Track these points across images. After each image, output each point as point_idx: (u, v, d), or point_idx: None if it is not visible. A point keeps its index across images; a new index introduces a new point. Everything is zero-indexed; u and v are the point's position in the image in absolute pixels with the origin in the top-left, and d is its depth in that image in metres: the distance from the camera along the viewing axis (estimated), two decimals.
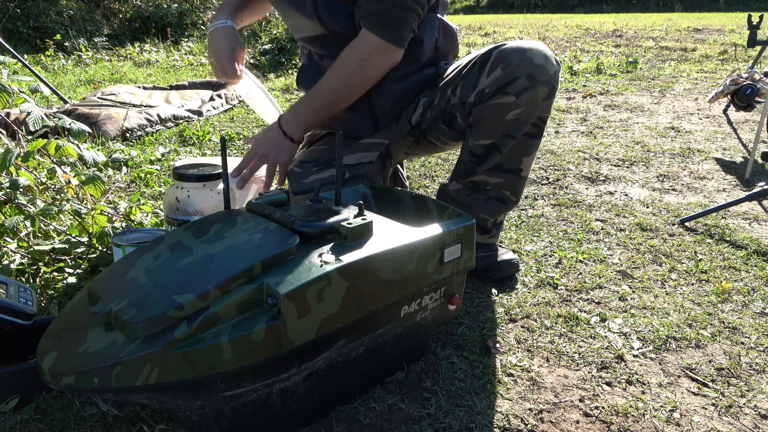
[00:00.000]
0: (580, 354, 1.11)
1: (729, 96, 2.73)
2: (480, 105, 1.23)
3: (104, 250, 1.39)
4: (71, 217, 1.51)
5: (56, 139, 1.45)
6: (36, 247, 1.36)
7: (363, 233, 0.86)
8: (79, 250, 1.40)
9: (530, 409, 0.96)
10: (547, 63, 1.19)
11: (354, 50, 1.21)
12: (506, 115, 1.21)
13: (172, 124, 2.98)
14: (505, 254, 1.41)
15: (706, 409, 0.97)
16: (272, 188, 1.49)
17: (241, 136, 2.79)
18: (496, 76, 1.20)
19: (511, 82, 1.18)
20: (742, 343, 1.16)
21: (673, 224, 1.75)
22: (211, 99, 3.43)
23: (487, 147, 1.26)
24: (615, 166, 2.34)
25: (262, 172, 1.42)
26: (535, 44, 1.21)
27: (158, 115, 2.92)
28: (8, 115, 2.42)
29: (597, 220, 1.79)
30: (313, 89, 1.26)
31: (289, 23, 1.39)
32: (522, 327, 1.20)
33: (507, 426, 0.92)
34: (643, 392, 1.01)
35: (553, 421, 0.94)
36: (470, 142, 1.28)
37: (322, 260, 0.79)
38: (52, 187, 1.69)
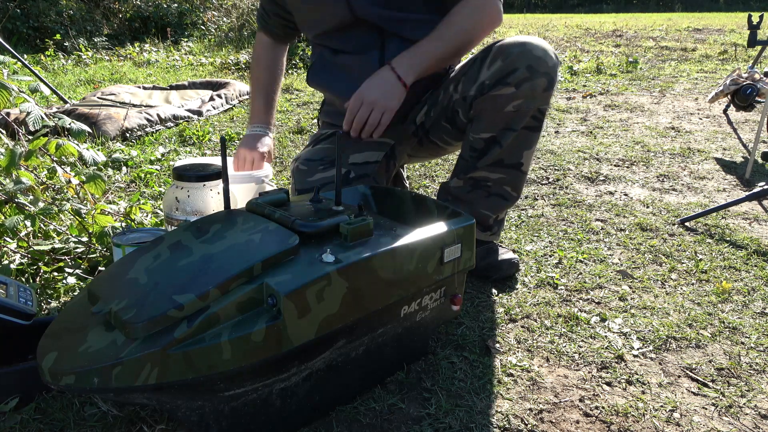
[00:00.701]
0: (580, 354, 1.11)
1: (729, 96, 2.73)
2: (480, 97, 1.24)
3: (104, 250, 1.39)
4: (71, 217, 1.51)
5: (56, 138, 1.45)
6: (36, 247, 1.36)
7: (363, 233, 0.86)
8: (79, 250, 1.40)
9: (530, 409, 0.96)
10: (545, 55, 1.20)
11: (473, 7, 1.24)
12: (506, 106, 1.21)
13: (172, 124, 2.97)
14: (505, 254, 1.41)
15: (706, 409, 0.97)
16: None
17: (241, 136, 2.78)
18: (496, 68, 1.20)
19: (511, 73, 1.19)
20: (742, 343, 1.16)
21: (673, 224, 1.75)
22: (211, 99, 3.42)
23: (488, 140, 1.26)
24: (615, 166, 2.34)
25: (264, 171, 1.41)
26: (535, 39, 1.22)
27: (158, 115, 2.92)
28: (8, 114, 2.42)
29: (597, 220, 1.79)
30: (429, 39, 1.23)
31: (307, 20, 1.37)
32: (522, 327, 1.20)
33: (507, 426, 0.92)
34: (643, 392, 1.01)
35: (553, 421, 0.94)
36: (471, 136, 1.28)
37: (322, 260, 0.79)
38: (52, 186, 1.69)
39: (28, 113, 1.37)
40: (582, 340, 1.16)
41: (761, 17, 2.25)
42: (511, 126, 1.23)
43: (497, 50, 1.22)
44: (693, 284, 1.40)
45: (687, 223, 1.75)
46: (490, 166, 1.28)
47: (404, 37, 1.28)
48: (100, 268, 1.36)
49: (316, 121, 1.59)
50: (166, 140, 2.71)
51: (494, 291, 1.34)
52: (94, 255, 1.39)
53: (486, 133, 1.26)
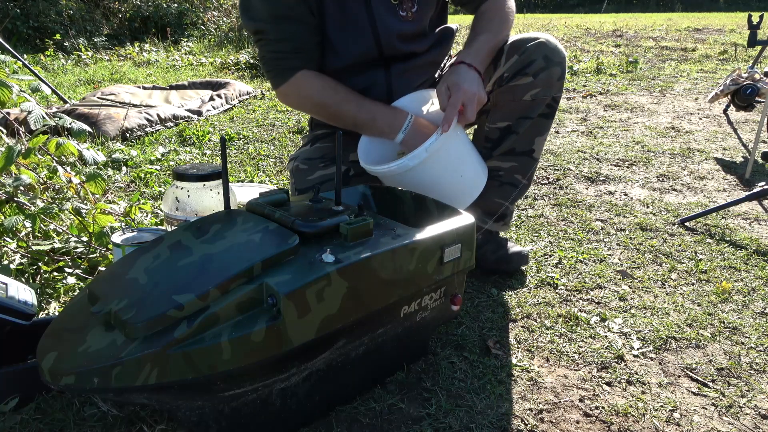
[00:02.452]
0: (580, 354, 1.11)
1: (729, 96, 2.73)
2: (498, 89, 1.28)
3: (104, 250, 1.39)
4: (71, 216, 1.51)
5: (56, 138, 1.45)
6: (36, 247, 1.36)
7: (363, 233, 0.86)
8: (79, 250, 1.40)
9: (530, 409, 0.96)
10: (557, 47, 1.26)
11: (507, 7, 1.30)
12: (524, 95, 1.26)
13: (171, 124, 2.97)
14: (514, 247, 1.42)
15: (706, 409, 0.97)
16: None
17: (241, 136, 2.78)
18: (513, 62, 1.25)
19: (529, 64, 1.24)
20: (742, 343, 1.16)
21: (673, 224, 1.75)
22: (211, 99, 3.42)
23: (503, 130, 1.30)
24: (615, 166, 2.34)
25: None
26: (543, 34, 1.28)
27: (158, 115, 2.92)
28: (9, 114, 2.42)
29: (597, 220, 1.79)
30: (482, 36, 1.25)
31: (336, 51, 1.34)
32: (522, 327, 1.20)
33: (507, 426, 0.92)
34: (643, 392, 1.01)
35: (553, 421, 0.94)
36: (486, 127, 1.32)
37: (322, 260, 0.79)
38: (53, 186, 1.69)
39: (29, 113, 1.37)
40: (582, 340, 1.16)
41: (761, 17, 2.25)
42: (528, 114, 1.28)
43: (511, 47, 1.27)
44: (693, 284, 1.40)
45: (687, 223, 1.75)
46: (502, 155, 1.31)
47: (404, 57, 1.31)
48: (100, 268, 1.36)
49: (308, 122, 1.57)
50: (166, 140, 2.70)
51: (494, 291, 1.34)
52: (94, 255, 1.39)
53: (503, 122, 1.30)
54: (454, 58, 1.32)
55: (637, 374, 1.06)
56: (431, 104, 1.32)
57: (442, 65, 1.42)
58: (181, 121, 3.04)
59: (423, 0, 1.28)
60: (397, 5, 1.26)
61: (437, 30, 1.37)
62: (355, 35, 1.26)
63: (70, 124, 1.44)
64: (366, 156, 1.26)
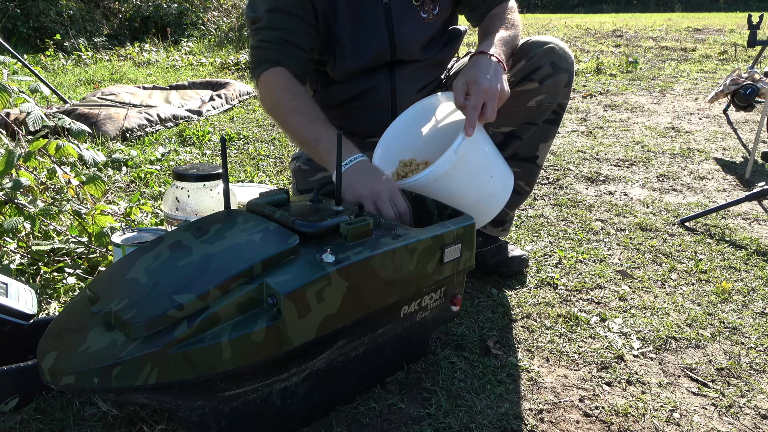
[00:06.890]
0: (580, 354, 1.11)
1: (729, 96, 2.73)
2: None
3: (104, 250, 1.39)
4: (71, 217, 1.51)
5: (56, 139, 1.45)
6: (36, 247, 1.36)
7: (363, 233, 0.86)
8: (79, 251, 1.40)
9: (530, 409, 0.96)
10: (565, 53, 1.24)
11: (515, 14, 1.29)
12: (529, 101, 1.24)
13: (172, 124, 2.97)
14: (514, 251, 1.42)
15: (706, 409, 0.97)
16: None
17: (241, 136, 2.79)
18: (520, 67, 1.24)
19: (535, 70, 1.22)
20: (742, 343, 1.16)
21: (673, 224, 1.75)
22: (211, 99, 3.42)
23: (507, 134, 1.29)
24: (615, 166, 2.34)
25: None
26: (553, 38, 1.26)
27: (158, 115, 2.92)
28: (8, 115, 2.42)
29: (597, 220, 1.79)
30: (499, 32, 1.20)
31: (346, 57, 1.31)
32: (522, 327, 1.20)
33: (507, 426, 0.92)
34: (643, 392, 1.01)
35: (553, 421, 0.94)
36: (490, 131, 1.30)
37: (323, 260, 0.79)
38: (52, 187, 1.69)
39: (28, 113, 1.38)
40: (582, 340, 1.16)
41: (761, 17, 2.25)
42: (533, 120, 1.27)
43: (518, 51, 1.25)
44: (693, 284, 1.40)
45: (687, 223, 1.75)
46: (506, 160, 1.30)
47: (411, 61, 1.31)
48: (100, 268, 1.36)
49: None
50: (166, 140, 2.70)
51: (494, 291, 1.34)
52: (94, 255, 1.39)
53: (506, 127, 1.29)
54: (471, 51, 1.31)
55: (637, 374, 1.06)
56: (441, 111, 1.26)
57: (449, 66, 1.42)
58: (181, 121, 3.04)
59: (443, 1, 1.28)
60: (419, 6, 1.25)
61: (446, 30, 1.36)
62: (370, 40, 1.25)
63: (69, 124, 1.44)
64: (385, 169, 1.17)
